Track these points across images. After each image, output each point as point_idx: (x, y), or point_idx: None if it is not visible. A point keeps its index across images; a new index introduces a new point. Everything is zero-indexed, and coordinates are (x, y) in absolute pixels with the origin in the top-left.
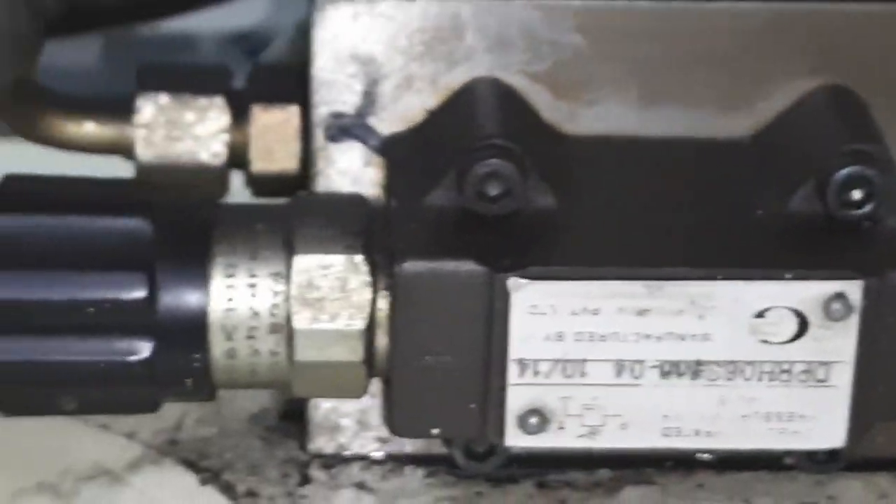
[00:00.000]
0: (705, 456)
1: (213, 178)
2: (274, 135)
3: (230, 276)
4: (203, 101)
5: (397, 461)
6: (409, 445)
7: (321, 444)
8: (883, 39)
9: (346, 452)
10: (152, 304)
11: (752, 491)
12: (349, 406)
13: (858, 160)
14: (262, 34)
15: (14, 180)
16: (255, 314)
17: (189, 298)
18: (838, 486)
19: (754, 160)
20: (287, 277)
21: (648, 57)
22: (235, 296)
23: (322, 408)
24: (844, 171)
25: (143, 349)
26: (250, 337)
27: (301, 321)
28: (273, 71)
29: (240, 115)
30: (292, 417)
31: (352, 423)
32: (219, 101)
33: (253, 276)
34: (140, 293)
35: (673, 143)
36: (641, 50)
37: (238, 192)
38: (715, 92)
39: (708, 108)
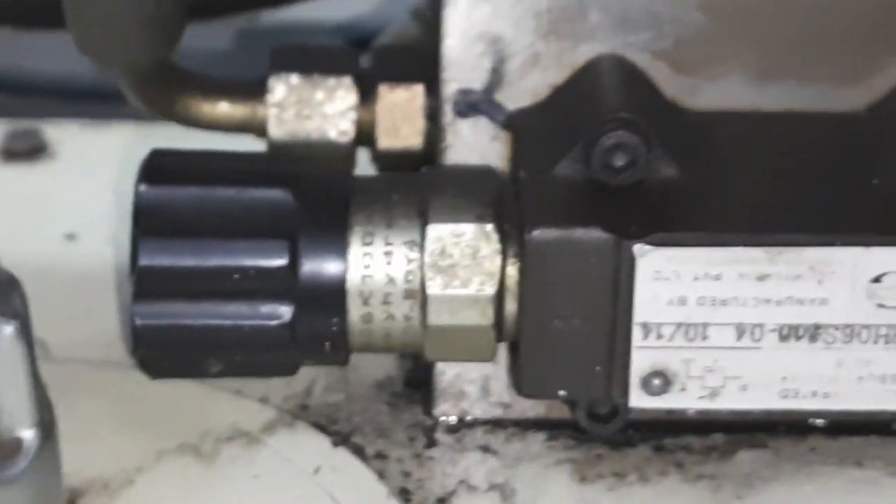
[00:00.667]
0: (818, 421)
1: (341, 155)
2: (400, 112)
3: (367, 244)
4: (332, 81)
5: (519, 426)
6: (530, 410)
7: (446, 409)
8: None
9: (470, 417)
10: (294, 271)
11: (863, 454)
12: (473, 373)
13: None
14: (371, 24)
15: (160, 155)
16: (391, 280)
17: (328, 266)
18: None
19: (870, 132)
20: (421, 245)
21: (767, 33)
22: (372, 263)
23: (447, 374)
24: None
25: (285, 314)
26: (386, 302)
27: (434, 287)
28: (396, 52)
29: (366, 95)
30: (416, 385)
31: (475, 389)
32: (347, 81)
33: (389, 244)
34: (282, 261)
35: (791, 116)
36: (760, 26)
37: (364, 168)
38: (831, 67)
39: (825, 83)
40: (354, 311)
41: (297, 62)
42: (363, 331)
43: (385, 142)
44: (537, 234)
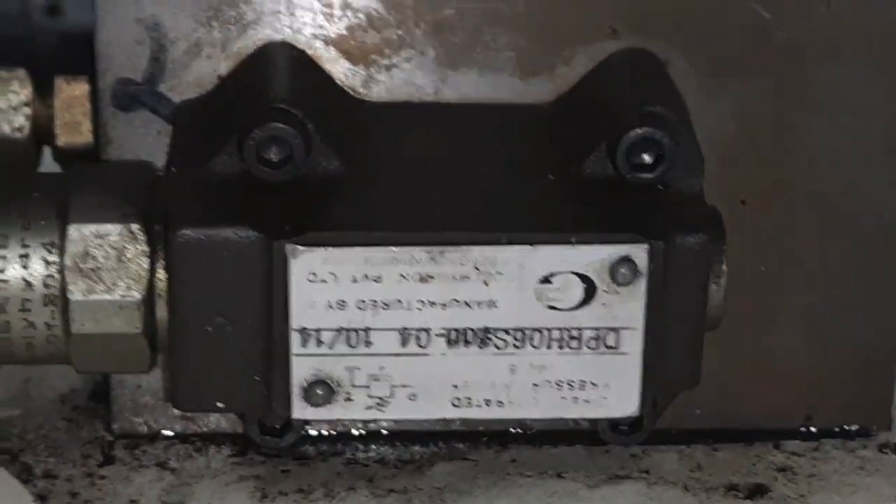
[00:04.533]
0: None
1: (19, 153)
2: (80, 107)
3: (1, 247)
4: (3, 73)
5: (204, 439)
6: (215, 424)
7: (125, 423)
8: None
9: (151, 431)
10: None
11: (565, 465)
12: (155, 384)
13: (648, 122)
14: None
15: None
16: (29, 286)
17: None
18: (653, 459)
19: (553, 125)
20: (61, 248)
21: (445, 19)
22: (7, 267)
23: (127, 386)
24: (633, 133)
25: None
26: (24, 309)
27: (76, 292)
28: (81, 39)
29: (43, 87)
30: (102, 398)
31: (157, 401)
32: (21, 73)
33: (26, 246)
34: None
35: (471, 108)
36: (438, 12)
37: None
38: (515, 56)
39: (507, 73)
40: None
41: None
42: (1, 341)
43: (64, 139)
44: (182, 233)
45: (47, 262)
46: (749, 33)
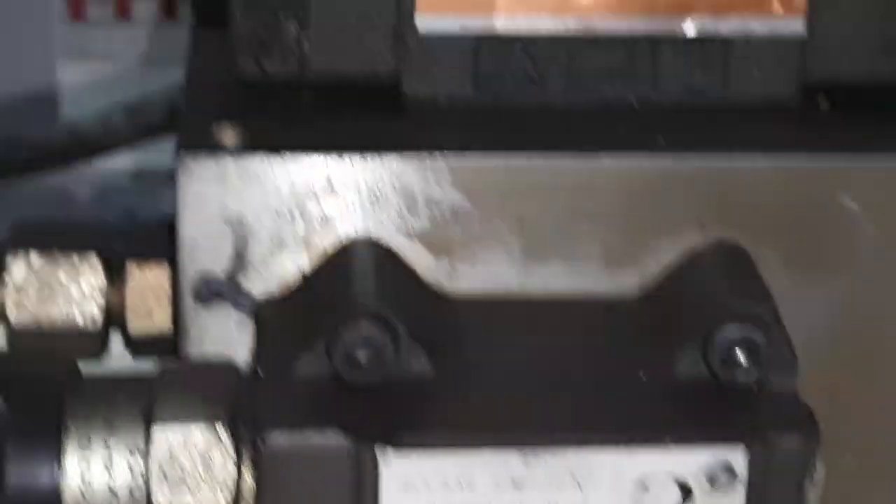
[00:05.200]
0: None
1: (90, 341)
2: (152, 293)
3: (84, 450)
4: (76, 258)
5: None
6: None
7: None
8: (769, 194)
9: None
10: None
11: None
12: None
13: (743, 321)
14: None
15: None
16: (113, 493)
17: (40, 476)
18: None
19: (640, 320)
20: (146, 451)
21: (530, 213)
22: (90, 473)
23: None
24: (728, 334)
25: None
26: None
27: (161, 500)
28: (153, 227)
29: (115, 273)
30: None
31: None
32: (93, 259)
33: (108, 449)
34: None
35: (557, 301)
36: (522, 206)
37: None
38: (599, 248)
39: (593, 265)
40: None
41: (38, 238)
42: None
43: (136, 325)
44: (269, 438)
45: (131, 468)
46: (838, 228)
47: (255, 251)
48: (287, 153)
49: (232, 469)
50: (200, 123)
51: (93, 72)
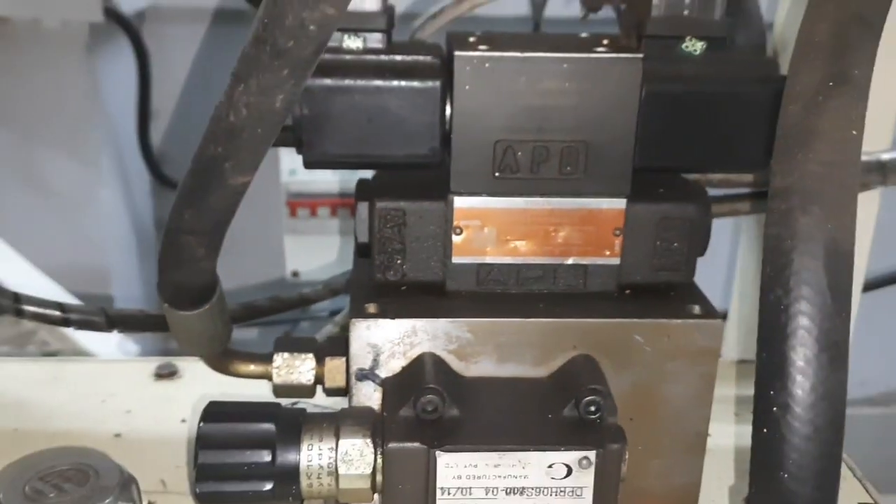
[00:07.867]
0: None
1: (308, 391)
2: (337, 371)
3: (310, 449)
4: (304, 355)
5: None
6: None
7: None
8: (605, 333)
9: None
10: (273, 463)
11: None
12: None
13: (594, 392)
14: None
15: (214, 405)
16: (321, 467)
17: (290, 459)
18: None
19: (550, 389)
20: (336, 448)
21: (504, 344)
22: (312, 458)
23: None
24: (588, 397)
25: (268, 485)
26: (318, 477)
27: (342, 471)
28: (338, 340)
29: (320, 361)
30: None
31: None
32: (310, 356)
33: (320, 449)
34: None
35: (515, 379)
36: (498, 342)
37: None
38: (531, 358)
39: (528, 365)
40: (304, 481)
41: (290, 346)
42: (308, 491)
43: (328, 387)
44: (388, 446)
45: (329, 457)
46: (632, 350)
47: (381, 359)
48: (398, 318)
49: (371, 460)
50: (359, 301)
51: None
